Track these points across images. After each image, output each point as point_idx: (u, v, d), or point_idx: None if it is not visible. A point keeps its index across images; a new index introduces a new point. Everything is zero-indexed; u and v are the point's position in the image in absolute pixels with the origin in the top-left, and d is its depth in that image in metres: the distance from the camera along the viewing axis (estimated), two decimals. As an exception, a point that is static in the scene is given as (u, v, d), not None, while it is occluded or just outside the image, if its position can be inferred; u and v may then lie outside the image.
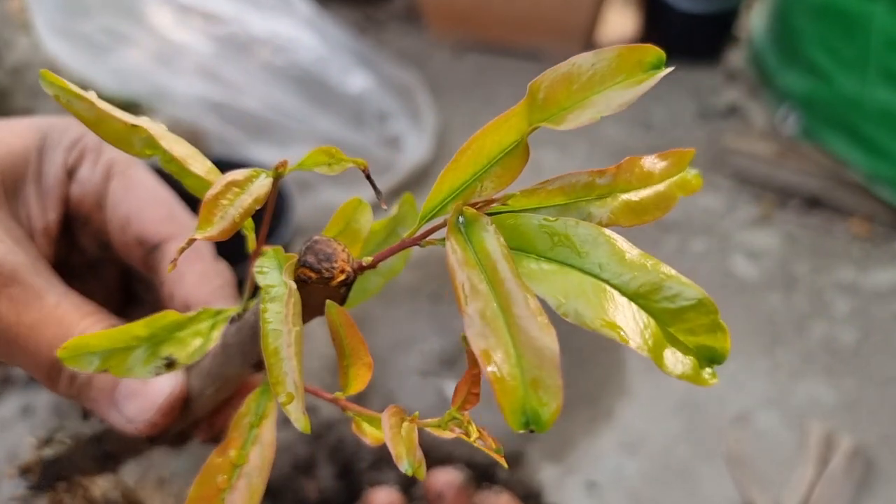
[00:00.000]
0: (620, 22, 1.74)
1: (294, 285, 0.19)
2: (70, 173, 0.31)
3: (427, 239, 0.21)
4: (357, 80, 1.23)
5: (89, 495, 0.30)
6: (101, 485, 0.30)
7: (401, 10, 1.84)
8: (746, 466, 0.92)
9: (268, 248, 0.23)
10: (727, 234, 1.21)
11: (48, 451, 0.30)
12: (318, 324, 0.26)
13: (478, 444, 0.19)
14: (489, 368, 0.16)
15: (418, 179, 1.29)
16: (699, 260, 1.16)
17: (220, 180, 0.20)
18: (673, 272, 0.17)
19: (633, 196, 0.20)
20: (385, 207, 0.25)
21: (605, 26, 1.69)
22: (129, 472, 0.31)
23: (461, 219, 0.18)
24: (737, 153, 1.30)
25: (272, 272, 0.21)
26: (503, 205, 0.20)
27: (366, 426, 0.23)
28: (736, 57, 1.57)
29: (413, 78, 1.43)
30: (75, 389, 0.28)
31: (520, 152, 0.19)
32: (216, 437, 0.32)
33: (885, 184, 1.16)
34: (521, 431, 0.15)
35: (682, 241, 1.18)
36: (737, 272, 1.15)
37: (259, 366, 0.26)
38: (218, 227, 0.20)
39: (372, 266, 0.22)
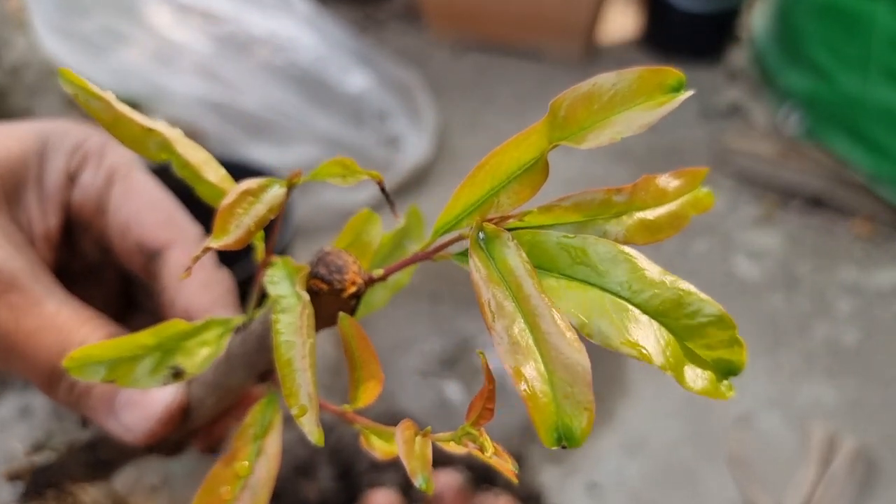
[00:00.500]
0: (621, 21, 1.73)
1: (308, 297, 0.20)
2: (71, 178, 0.31)
3: (440, 253, 0.21)
4: (357, 80, 1.23)
5: (79, 503, 0.29)
6: (91, 493, 0.29)
7: (400, 9, 1.84)
8: (748, 467, 0.91)
9: (277, 259, 0.23)
10: (729, 234, 1.21)
11: (39, 458, 0.30)
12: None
13: (493, 460, 0.19)
14: (521, 386, 0.16)
15: (418, 179, 1.29)
16: (701, 260, 1.16)
17: (234, 189, 0.20)
18: (693, 289, 0.18)
19: (649, 214, 0.21)
20: (399, 220, 0.25)
21: (605, 25, 1.69)
22: (121, 480, 0.30)
23: (482, 235, 0.18)
24: (738, 153, 1.30)
25: (282, 283, 0.21)
26: (520, 221, 0.20)
27: (374, 439, 0.22)
28: (737, 56, 1.57)
29: (413, 77, 1.42)
30: (74, 397, 0.27)
31: (539, 169, 0.19)
32: (213, 448, 0.31)
33: (887, 184, 1.15)
34: (554, 448, 0.16)
35: (683, 242, 1.17)
36: (738, 272, 1.14)
37: (264, 376, 0.26)
38: (233, 235, 0.20)
39: (382, 279, 0.22)
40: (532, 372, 0.16)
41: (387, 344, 1.04)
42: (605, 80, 0.18)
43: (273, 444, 0.23)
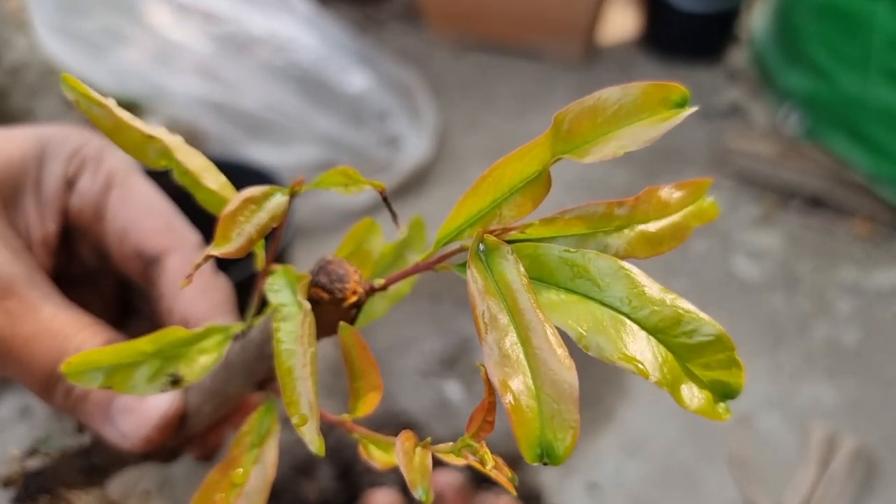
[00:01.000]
0: (621, 21, 1.73)
1: (309, 306, 0.19)
2: (70, 184, 0.31)
3: (442, 264, 0.21)
4: (357, 80, 1.23)
5: None
6: (84, 500, 0.29)
7: (401, 9, 1.84)
8: (748, 467, 0.91)
9: (277, 267, 0.23)
10: (729, 234, 1.21)
11: (32, 463, 0.29)
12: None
13: (493, 473, 0.19)
14: (507, 399, 0.16)
15: (418, 179, 1.29)
16: (701, 260, 1.16)
17: (236, 197, 0.20)
18: (692, 307, 0.17)
19: (651, 227, 0.20)
20: (400, 231, 0.25)
21: (605, 26, 1.69)
22: (115, 485, 0.30)
23: (482, 246, 0.18)
24: (738, 153, 1.30)
25: (283, 291, 0.21)
26: (521, 233, 0.20)
27: (373, 450, 0.22)
28: (737, 56, 1.57)
29: (413, 77, 1.42)
30: (71, 403, 0.27)
31: (542, 182, 0.19)
32: (209, 455, 0.31)
33: (887, 184, 1.15)
34: (535, 464, 0.16)
35: (680, 245, 1.17)
36: (738, 272, 1.14)
37: (262, 384, 0.26)
38: (235, 243, 0.20)
39: (383, 288, 0.22)
40: (520, 386, 0.16)
41: (386, 344, 1.04)
42: (610, 94, 0.18)
43: (270, 453, 0.23)
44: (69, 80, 0.22)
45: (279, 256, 0.86)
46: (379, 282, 0.22)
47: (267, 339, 0.23)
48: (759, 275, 1.15)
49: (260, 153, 1.12)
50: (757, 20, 1.48)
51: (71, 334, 0.27)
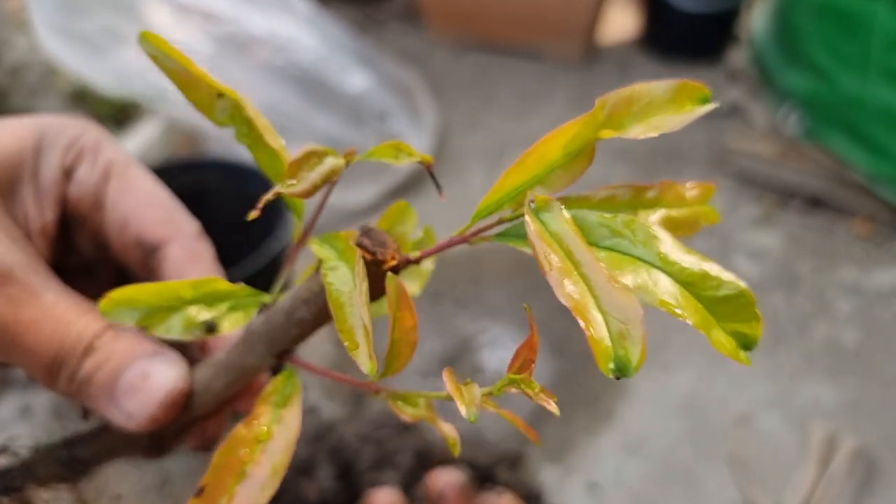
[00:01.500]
0: (621, 21, 1.73)
1: (359, 250, 0.21)
2: (68, 173, 0.31)
3: (479, 236, 0.22)
4: (357, 80, 1.23)
5: None
6: (56, 498, 0.29)
7: (401, 9, 1.84)
8: (748, 467, 0.91)
9: (313, 238, 0.24)
10: (728, 234, 1.21)
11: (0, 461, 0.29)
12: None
13: (540, 398, 0.21)
14: (582, 323, 0.18)
15: (418, 180, 1.29)
16: (700, 260, 1.16)
17: (301, 149, 0.23)
18: (717, 267, 0.20)
19: (674, 212, 0.24)
20: (444, 200, 0.27)
21: (605, 26, 1.69)
22: (89, 489, 0.30)
23: (532, 204, 0.20)
24: (738, 153, 1.30)
25: (328, 249, 0.23)
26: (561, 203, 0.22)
27: (401, 405, 0.24)
28: (737, 56, 1.57)
29: (413, 77, 1.42)
30: (75, 387, 0.27)
31: (586, 155, 0.21)
32: (207, 446, 0.31)
33: (886, 184, 1.15)
34: (611, 377, 0.17)
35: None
36: (738, 272, 1.14)
37: (281, 357, 0.26)
38: (301, 186, 0.22)
39: (417, 261, 0.23)
40: (589, 310, 0.18)
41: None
42: (644, 88, 0.21)
43: (293, 415, 0.24)
44: (148, 34, 0.23)
45: (279, 256, 0.86)
46: (414, 254, 0.23)
47: (298, 305, 0.24)
48: (759, 275, 1.15)
49: (260, 153, 1.12)
50: (756, 20, 1.48)
51: (73, 319, 0.27)
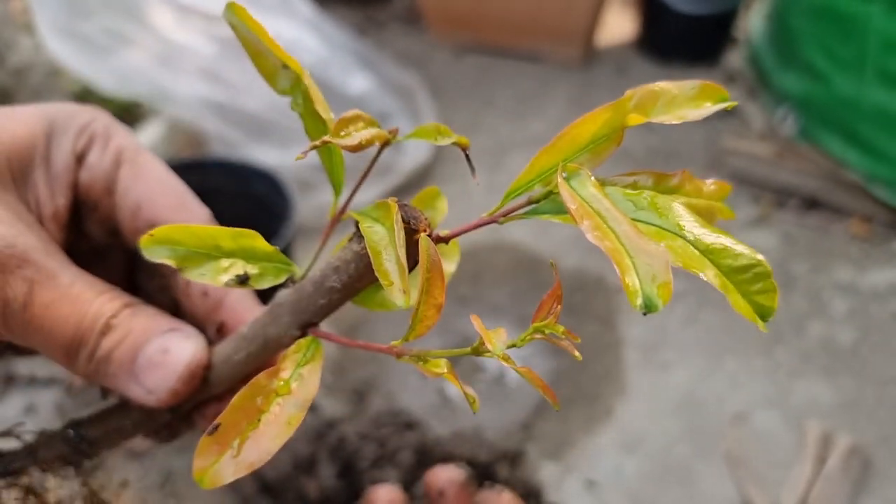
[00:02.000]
0: (619, 24, 1.74)
1: (396, 206, 0.23)
2: (79, 158, 0.31)
3: (509, 216, 0.24)
4: (358, 82, 1.24)
5: (44, 502, 0.28)
6: (58, 493, 0.29)
7: (401, 11, 1.85)
8: (745, 465, 0.92)
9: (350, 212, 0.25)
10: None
11: (1, 444, 0.29)
12: (325, 326, 0.27)
13: (564, 343, 0.22)
14: (614, 264, 0.19)
15: (418, 180, 1.30)
16: (698, 260, 1.17)
17: (348, 112, 0.25)
18: (734, 240, 0.21)
19: (693, 201, 0.25)
20: (478, 182, 0.29)
21: (603, 28, 1.70)
22: (94, 475, 0.30)
23: (564, 174, 0.22)
24: (735, 154, 1.31)
25: (367, 218, 0.24)
26: None
27: (423, 365, 0.25)
28: (734, 58, 1.58)
29: (413, 79, 1.43)
30: (94, 366, 0.27)
31: (614, 138, 0.23)
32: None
33: (882, 184, 1.16)
34: (640, 311, 0.19)
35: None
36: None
37: (305, 328, 0.26)
38: (349, 140, 0.24)
39: (446, 240, 0.25)
40: (619, 255, 0.20)
41: (387, 343, 1.04)
42: (669, 85, 0.23)
43: (313, 374, 0.25)
44: (234, 5, 0.25)
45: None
46: (444, 232, 0.25)
47: (328, 274, 0.25)
48: (757, 275, 1.15)
49: (262, 154, 1.13)
50: (754, 22, 1.49)
51: (90, 299, 0.27)
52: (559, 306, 0.23)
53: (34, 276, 0.26)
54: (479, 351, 0.23)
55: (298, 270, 0.27)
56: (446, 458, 0.83)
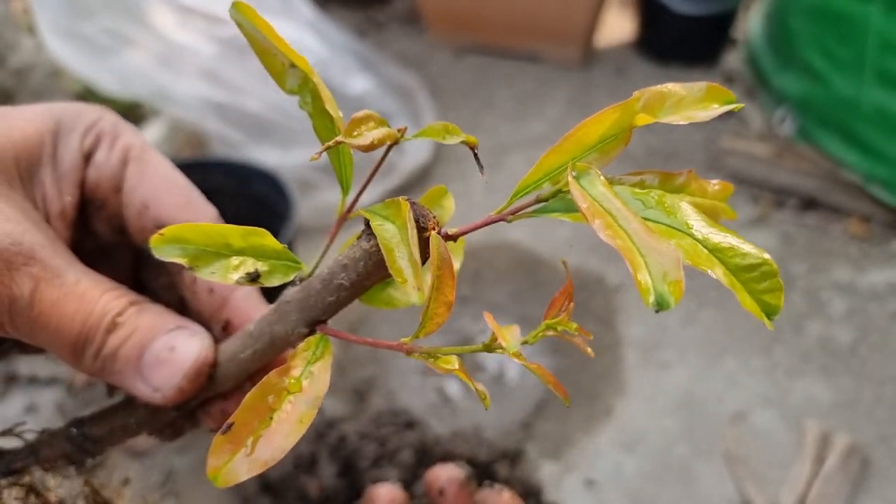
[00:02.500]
0: (618, 25, 1.75)
1: (409, 206, 0.24)
2: (86, 157, 0.31)
3: (518, 213, 0.24)
4: (358, 82, 1.24)
5: (47, 502, 0.28)
6: (58, 493, 0.29)
7: (401, 12, 1.85)
8: (744, 464, 0.92)
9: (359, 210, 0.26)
10: (725, 234, 1.22)
11: (3, 443, 0.29)
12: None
13: (577, 340, 0.23)
14: (627, 263, 0.20)
15: (419, 181, 1.30)
16: (697, 260, 1.17)
17: (360, 112, 0.25)
18: (741, 239, 0.22)
19: (698, 200, 0.26)
20: (486, 180, 0.29)
21: (603, 29, 1.70)
22: (95, 473, 0.30)
23: (574, 172, 0.22)
24: (734, 154, 1.31)
25: (376, 216, 0.25)
26: None
27: (433, 361, 0.25)
28: (733, 59, 1.58)
29: (413, 80, 1.43)
30: (100, 363, 0.27)
31: (622, 137, 0.24)
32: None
33: (880, 184, 1.17)
34: (652, 308, 0.19)
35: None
36: (734, 272, 1.16)
37: (313, 325, 0.26)
38: (362, 140, 0.24)
39: (454, 238, 0.25)
40: (632, 253, 0.20)
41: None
42: (676, 87, 0.24)
43: (323, 371, 0.25)
44: (240, 4, 0.25)
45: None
46: (452, 230, 0.25)
47: (337, 271, 0.25)
48: (755, 275, 1.16)
49: (262, 154, 1.13)
50: (752, 23, 1.50)
51: (96, 297, 0.27)
52: (571, 304, 0.23)
53: (40, 273, 0.26)
54: (492, 347, 0.24)
55: (307, 267, 0.27)
56: (446, 458, 0.83)
